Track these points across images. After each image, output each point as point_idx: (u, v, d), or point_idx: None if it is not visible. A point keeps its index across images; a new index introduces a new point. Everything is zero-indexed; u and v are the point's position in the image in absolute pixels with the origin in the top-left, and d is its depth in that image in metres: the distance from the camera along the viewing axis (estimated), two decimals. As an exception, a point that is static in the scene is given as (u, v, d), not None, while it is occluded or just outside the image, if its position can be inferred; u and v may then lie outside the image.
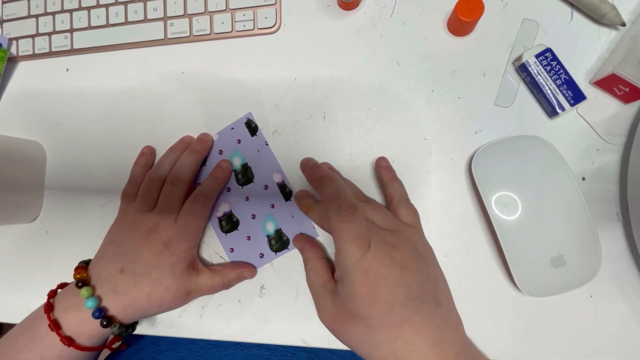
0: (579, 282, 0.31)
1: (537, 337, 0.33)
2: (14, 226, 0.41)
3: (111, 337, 0.33)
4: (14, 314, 0.40)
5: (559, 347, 0.32)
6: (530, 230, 0.30)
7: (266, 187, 0.36)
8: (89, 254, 0.39)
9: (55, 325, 0.30)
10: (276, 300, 0.36)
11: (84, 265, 0.33)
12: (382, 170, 0.34)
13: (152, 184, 0.35)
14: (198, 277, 0.34)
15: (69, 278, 0.39)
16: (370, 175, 0.35)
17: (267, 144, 0.37)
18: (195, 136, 0.38)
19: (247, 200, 0.37)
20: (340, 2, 0.36)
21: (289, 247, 0.36)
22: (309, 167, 0.31)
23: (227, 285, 0.35)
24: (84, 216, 0.40)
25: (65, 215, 0.40)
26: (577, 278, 0.30)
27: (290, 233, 0.36)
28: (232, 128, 0.37)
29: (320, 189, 0.29)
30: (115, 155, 0.40)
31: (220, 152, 0.37)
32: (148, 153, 0.38)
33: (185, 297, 0.33)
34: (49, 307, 0.31)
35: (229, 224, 0.37)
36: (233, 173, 0.37)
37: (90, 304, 0.30)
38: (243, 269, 0.35)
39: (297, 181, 0.36)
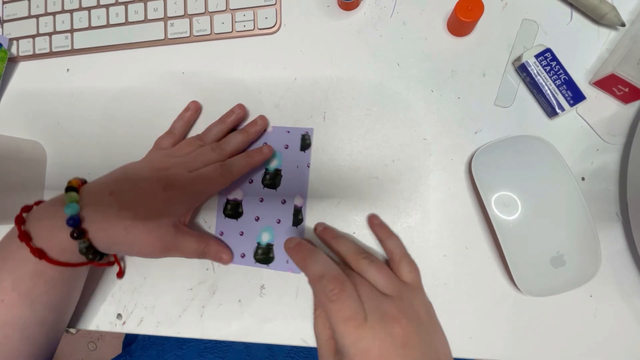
0: (579, 281, 0.31)
1: (537, 337, 0.33)
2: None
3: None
4: (14, 314, 0.40)
5: (559, 346, 0.32)
6: (530, 230, 0.31)
7: (284, 201, 0.36)
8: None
9: (24, 236, 0.28)
10: (276, 300, 0.36)
11: (82, 179, 0.32)
12: (376, 227, 0.34)
13: (194, 142, 0.35)
14: (182, 238, 0.32)
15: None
16: (369, 175, 0.35)
17: (308, 166, 0.36)
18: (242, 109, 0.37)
19: (261, 201, 0.36)
20: (340, 2, 0.36)
21: (269, 265, 0.36)
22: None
23: (203, 255, 0.34)
24: (84, 216, 0.40)
25: (66, 215, 0.40)
26: (576, 278, 0.31)
27: (279, 254, 0.36)
28: (288, 131, 0.37)
29: (305, 271, 0.29)
30: (115, 155, 0.40)
31: (265, 145, 0.37)
32: (193, 109, 0.37)
33: (162, 251, 0.31)
34: (20, 220, 0.29)
35: (233, 210, 0.37)
36: (263, 171, 0.37)
37: (69, 210, 0.28)
38: (224, 252, 0.35)
39: (312, 213, 0.36)
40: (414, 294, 0.30)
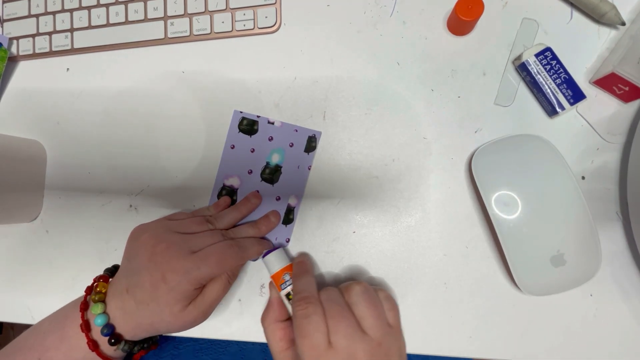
0: (579, 281, 0.31)
1: (537, 337, 0.33)
2: (14, 226, 0.41)
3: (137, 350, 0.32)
4: (14, 314, 0.40)
5: (559, 346, 0.32)
6: (530, 229, 0.30)
7: (278, 198, 0.36)
8: (89, 254, 0.39)
9: (85, 326, 0.29)
10: (276, 300, 0.36)
11: (107, 275, 0.32)
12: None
13: (204, 224, 0.33)
14: (203, 297, 0.31)
15: (67, 279, 0.39)
16: (369, 174, 0.35)
17: (309, 169, 0.36)
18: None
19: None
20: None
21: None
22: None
23: (235, 276, 0.33)
24: (84, 216, 0.40)
25: (65, 215, 0.40)
26: (577, 277, 0.30)
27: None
28: (296, 130, 0.36)
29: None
30: (115, 154, 0.40)
31: (271, 138, 0.37)
32: (223, 205, 0.36)
33: (197, 321, 0.31)
34: (85, 306, 0.30)
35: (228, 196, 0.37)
36: (264, 165, 0.36)
37: (100, 321, 0.29)
38: (251, 251, 0.33)
39: (312, 212, 0.36)
40: (394, 340, 0.28)
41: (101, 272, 0.33)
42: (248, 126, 0.37)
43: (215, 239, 0.31)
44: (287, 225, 0.36)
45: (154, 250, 0.29)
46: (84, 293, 0.31)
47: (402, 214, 0.35)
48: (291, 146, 0.36)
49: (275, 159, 0.36)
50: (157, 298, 0.29)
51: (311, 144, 0.36)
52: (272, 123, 0.37)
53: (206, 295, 0.31)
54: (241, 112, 0.37)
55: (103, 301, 0.30)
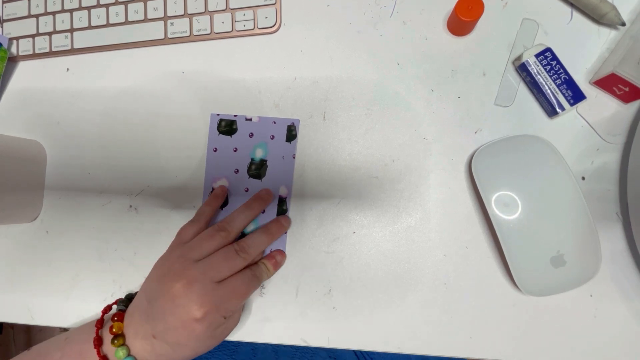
0: (579, 281, 0.31)
1: (537, 337, 0.33)
2: (14, 226, 0.41)
3: None
4: (14, 314, 0.40)
5: (559, 347, 0.32)
6: (530, 229, 0.31)
7: None
8: (89, 254, 0.39)
9: None
10: (276, 300, 0.36)
11: (121, 312, 0.32)
12: None
13: (216, 236, 0.32)
14: (237, 314, 0.33)
15: (67, 279, 0.39)
16: (369, 175, 0.35)
17: (294, 157, 0.36)
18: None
19: (246, 191, 0.37)
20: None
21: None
22: None
23: (259, 279, 0.33)
24: (84, 216, 0.40)
25: (65, 215, 0.40)
26: (577, 277, 0.30)
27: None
28: (274, 122, 0.37)
29: None
30: (115, 155, 0.40)
31: (251, 135, 0.37)
32: (221, 195, 0.36)
33: (232, 329, 0.33)
34: (98, 342, 0.30)
35: None
36: (249, 161, 0.37)
37: None
38: (274, 262, 0.35)
39: (296, 204, 0.36)
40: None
41: (101, 271, 0.33)
42: (227, 127, 0.37)
43: (232, 261, 0.31)
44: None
45: (173, 291, 0.29)
46: (94, 327, 0.31)
47: (402, 214, 0.35)
48: (272, 138, 0.37)
49: (259, 154, 0.37)
50: (196, 337, 0.29)
51: (291, 132, 0.36)
52: (250, 119, 0.37)
53: (239, 308, 0.33)
54: (218, 114, 0.37)
55: (124, 344, 0.30)
